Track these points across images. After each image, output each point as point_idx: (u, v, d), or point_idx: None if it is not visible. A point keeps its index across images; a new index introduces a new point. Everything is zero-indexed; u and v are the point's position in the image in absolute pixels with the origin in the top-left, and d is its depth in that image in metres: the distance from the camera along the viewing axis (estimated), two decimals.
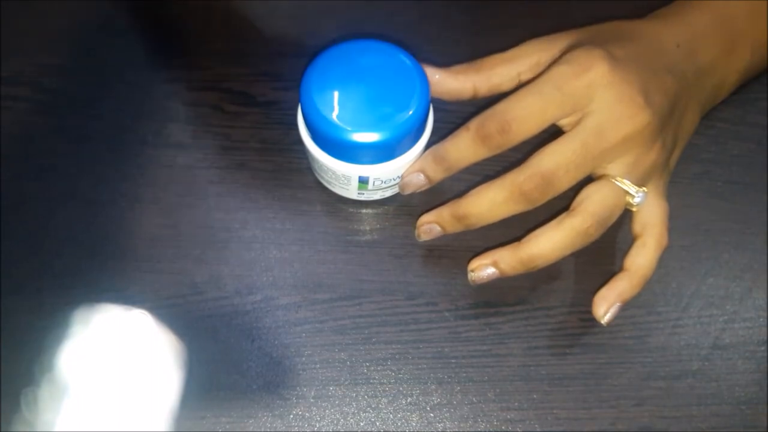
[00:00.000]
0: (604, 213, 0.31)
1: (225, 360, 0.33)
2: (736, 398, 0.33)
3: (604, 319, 0.31)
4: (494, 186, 0.31)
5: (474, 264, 0.33)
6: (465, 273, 0.34)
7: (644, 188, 0.31)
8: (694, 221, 0.36)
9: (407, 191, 0.34)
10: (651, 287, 0.34)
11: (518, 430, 0.32)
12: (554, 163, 0.29)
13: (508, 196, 0.30)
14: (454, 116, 0.38)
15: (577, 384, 0.33)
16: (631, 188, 0.31)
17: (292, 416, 0.32)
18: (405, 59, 0.30)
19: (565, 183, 0.30)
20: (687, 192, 0.37)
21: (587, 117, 0.30)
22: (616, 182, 0.31)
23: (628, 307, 0.34)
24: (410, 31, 0.41)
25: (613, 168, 0.31)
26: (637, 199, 0.31)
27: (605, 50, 0.30)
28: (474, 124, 0.31)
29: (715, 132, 0.38)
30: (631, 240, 0.33)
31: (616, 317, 0.32)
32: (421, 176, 0.33)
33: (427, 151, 0.32)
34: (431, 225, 0.33)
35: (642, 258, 0.32)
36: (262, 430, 0.32)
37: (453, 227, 0.33)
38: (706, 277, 0.35)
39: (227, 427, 0.32)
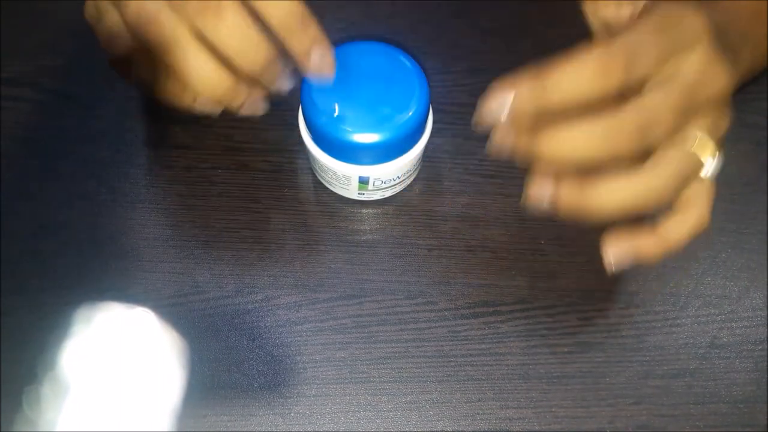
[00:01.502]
0: (683, 173, 0.28)
1: (226, 359, 0.33)
2: (733, 397, 0.33)
3: (611, 260, 0.29)
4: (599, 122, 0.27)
5: (534, 187, 0.28)
6: (464, 273, 0.34)
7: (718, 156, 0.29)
8: None
9: (483, 121, 0.27)
10: (649, 286, 0.35)
11: (517, 428, 0.32)
12: (655, 107, 0.27)
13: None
14: (453, 116, 0.38)
15: (576, 382, 0.33)
16: (708, 156, 0.28)
17: (292, 414, 0.32)
18: (405, 61, 0.31)
19: (663, 130, 0.28)
20: None
21: (684, 68, 0.28)
22: (699, 140, 0.28)
23: (626, 306, 0.34)
24: (410, 32, 0.41)
25: (695, 130, 0.29)
26: (711, 166, 0.29)
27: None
28: (594, 53, 0.27)
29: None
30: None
31: (613, 313, 0.32)
32: (509, 101, 0.26)
33: (522, 78, 0.27)
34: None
35: (677, 231, 0.29)
36: (263, 428, 0.32)
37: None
38: (704, 276, 0.35)
39: (228, 425, 0.32)
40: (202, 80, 0.29)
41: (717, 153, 0.29)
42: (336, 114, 0.29)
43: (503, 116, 0.27)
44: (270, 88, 0.30)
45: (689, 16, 0.28)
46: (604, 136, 0.27)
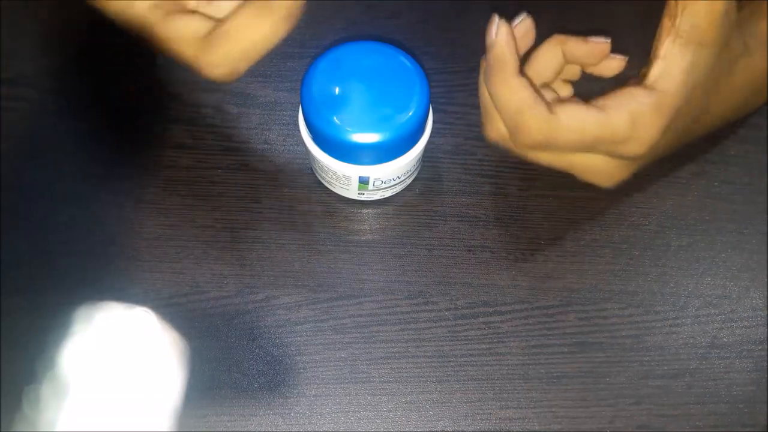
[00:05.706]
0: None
1: (226, 359, 0.33)
2: (733, 397, 0.33)
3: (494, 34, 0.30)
4: None
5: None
6: (464, 273, 0.34)
7: None
8: (692, 221, 0.36)
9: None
10: (649, 286, 0.35)
11: (517, 428, 0.32)
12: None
13: None
14: (453, 117, 0.38)
15: (576, 383, 0.33)
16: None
17: (293, 414, 0.32)
18: (405, 60, 0.31)
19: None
20: (684, 192, 0.37)
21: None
22: None
23: (626, 306, 0.34)
24: (410, 32, 0.41)
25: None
26: None
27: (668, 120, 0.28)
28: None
29: (712, 132, 0.38)
30: (629, 240, 0.33)
31: (613, 313, 0.32)
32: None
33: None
34: None
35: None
36: (263, 428, 0.32)
37: None
38: (704, 276, 0.35)
39: (228, 425, 0.32)
40: None
41: None
42: (336, 114, 0.29)
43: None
44: None
45: (644, 126, 0.28)
46: None
